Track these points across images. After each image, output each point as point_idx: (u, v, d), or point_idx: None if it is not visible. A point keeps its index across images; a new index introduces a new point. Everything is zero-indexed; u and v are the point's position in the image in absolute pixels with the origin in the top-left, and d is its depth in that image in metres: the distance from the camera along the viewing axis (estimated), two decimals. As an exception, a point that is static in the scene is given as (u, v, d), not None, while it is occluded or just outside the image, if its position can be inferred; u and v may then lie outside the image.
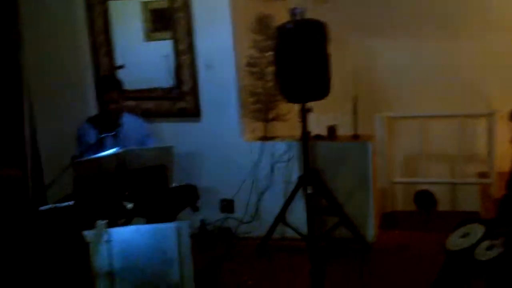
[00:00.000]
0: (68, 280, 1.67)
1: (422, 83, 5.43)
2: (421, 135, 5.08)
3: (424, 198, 5.41)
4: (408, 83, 5.46)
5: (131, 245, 2.47)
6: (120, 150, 3.62)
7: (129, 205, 3.24)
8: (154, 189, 3.71)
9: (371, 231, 4.64)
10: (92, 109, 4.74)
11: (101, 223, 2.44)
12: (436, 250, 4.29)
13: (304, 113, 4.19)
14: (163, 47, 4.95)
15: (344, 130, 4.76)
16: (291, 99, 4.19)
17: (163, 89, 4.97)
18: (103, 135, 4.09)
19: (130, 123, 4.34)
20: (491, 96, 5.26)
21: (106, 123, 4.20)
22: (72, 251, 2.52)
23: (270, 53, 4.53)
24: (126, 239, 2.48)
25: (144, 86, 4.97)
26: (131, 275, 2.46)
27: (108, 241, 2.44)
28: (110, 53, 4.88)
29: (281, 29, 3.98)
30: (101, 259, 2.41)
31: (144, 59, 5.01)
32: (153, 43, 5.05)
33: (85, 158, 3.80)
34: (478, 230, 3.16)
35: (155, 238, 2.50)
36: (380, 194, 5.07)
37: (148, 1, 4.96)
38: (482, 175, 5.30)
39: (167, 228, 2.53)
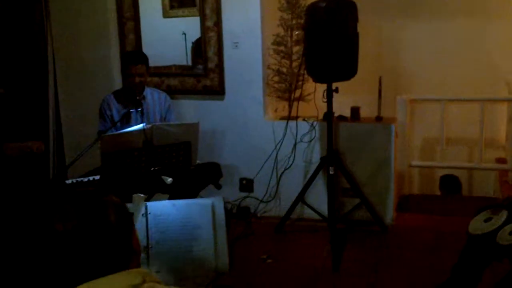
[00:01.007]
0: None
1: (444, 65, 5.40)
2: (442, 119, 5.06)
3: (450, 183, 5.42)
4: (431, 65, 5.42)
5: (168, 219, 2.49)
6: (147, 126, 3.64)
7: (169, 180, 3.25)
8: (178, 165, 3.73)
9: (390, 213, 4.64)
10: (117, 86, 4.72)
11: (139, 196, 2.46)
12: (453, 234, 4.34)
13: (330, 93, 4.18)
14: (181, 25, 4.96)
15: (366, 112, 4.75)
16: (318, 79, 4.17)
17: (179, 67, 4.97)
18: (130, 110, 4.10)
19: (152, 96, 4.35)
20: (513, 81, 5.24)
21: (130, 97, 4.20)
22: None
23: (297, 32, 4.52)
24: (163, 213, 2.49)
25: (161, 63, 4.96)
26: (167, 249, 2.48)
27: (146, 215, 2.45)
28: (137, 28, 4.85)
29: (312, 7, 3.95)
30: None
31: (162, 36, 5.02)
32: (171, 20, 5.05)
33: (113, 133, 3.82)
34: (501, 214, 3.16)
35: (191, 212, 2.51)
36: (398, 177, 5.08)
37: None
38: (501, 160, 5.30)
39: (202, 203, 2.53)
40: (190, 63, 5.02)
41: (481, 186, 5.50)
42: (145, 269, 1.52)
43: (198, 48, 4.85)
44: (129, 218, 1.56)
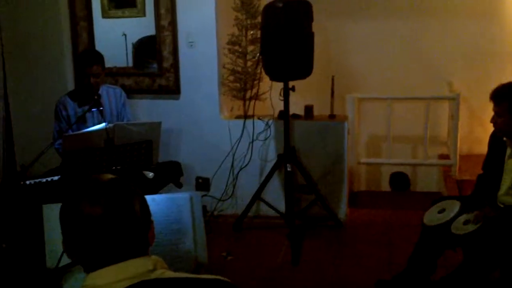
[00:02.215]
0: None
1: (391, 65, 5.62)
2: (388, 117, 5.24)
3: (399, 179, 5.63)
4: (378, 65, 5.64)
5: (148, 213, 2.48)
6: (109, 125, 3.61)
7: (150, 174, 3.23)
8: (140, 164, 3.72)
9: (343, 209, 4.77)
10: (70, 86, 4.64)
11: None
12: (404, 226, 4.52)
13: (287, 92, 4.26)
14: (121, 25, 4.93)
15: (317, 110, 4.86)
16: (275, 77, 4.24)
17: (119, 68, 4.92)
18: (92, 110, 4.04)
19: (108, 94, 4.29)
20: (455, 81, 5.49)
21: (86, 96, 4.14)
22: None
23: (252, 31, 4.59)
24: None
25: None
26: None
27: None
28: (90, 28, 4.78)
29: (270, 7, 4.02)
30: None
31: (101, 37, 4.93)
32: (110, 20, 4.98)
33: (75, 133, 3.76)
34: (454, 206, 3.32)
35: (170, 207, 2.52)
36: (348, 174, 5.22)
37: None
38: (443, 157, 5.53)
39: (181, 197, 2.54)
40: (131, 64, 4.97)
41: (426, 182, 5.73)
42: (157, 256, 1.54)
43: (142, 49, 4.80)
44: (149, 210, 1.59)
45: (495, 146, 3.41)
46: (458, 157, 5.15)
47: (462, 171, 5.17)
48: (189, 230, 2.51)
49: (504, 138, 3.29)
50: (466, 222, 3.16)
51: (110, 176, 1.56)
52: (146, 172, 3.36)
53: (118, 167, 3.60)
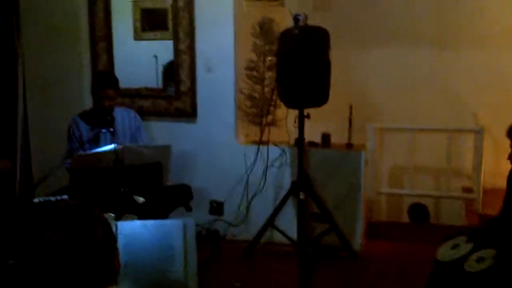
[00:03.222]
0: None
1: (414, 95, 5.53)
2: (410, 147, 5.15)
3: (418, 211, 5.50)
4: (400, 94, 5.55)
5: (137, 239, 2.47)
6: (119, 147, 3.63)
7: (140, 200, 3.23)
8: (149, 186, 3.72)
9: (358, 239, 4.67)
10: (87, 105, 4.69)
11: (109, 215, 2.43)
12: (421, 260, 4.38)
13: (301, 119, 4.23)
14: (153, 47, 4.99)
15: (336, 139, 4.81)
16: (290, 105, 4.22)
17: (149, 89, 4.99)
18: (102, 130, 4.07)
19: (122, 116, 4.32)
20: (480, 113, 5.37)
21: (100, 117, 4.17)
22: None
23: (270, 58, 4.58)
24: (132, 233, 2.47)
25: (131, 85, 4.94)
26: (135, 270, 2.45)
27: (116, 235, 2.43)
28: (109, 49, 4.84)
29: (286, 34, 4.01)
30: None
31: (133, 58, 5.04)
32: (142, 42, 5.08)
33: (84, 153, 3.80)
34: (468, 243, 3.22)
35: (161, 233, 2.50)
36: (366, 204, 5.12)
37: (140, 0, 4.97)
38: (468, 190, 5.39)
39: (173, 224, 2.52)
40: (161, 85, 5.02)
41: (448, 215, 5.58)
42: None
43: (170, 71, 4.86)
44: (114, 237, 1.56)
45: (513, 182, 3.32)
46: (481, 190, 5.02)
47: (486, 205, 5.02)
48: (180, 258, 2.48)
49: (523, 175, 3.20)
50: (479, 260, 3.06)
51: (72, 202, 1.55)
52: (136, 197, 3.35)
53: (126, 189, 3.61)
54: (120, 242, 2.47)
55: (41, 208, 1.52)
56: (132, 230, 2.50)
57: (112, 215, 2.51)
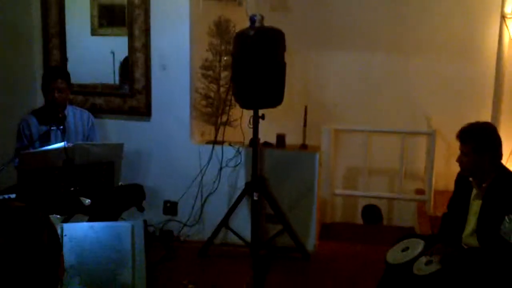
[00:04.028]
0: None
1: (369, 98, 5.60)
2: (365, 149, 5.20)
3: (371, 213, 5.56)
4: (356, 97, 5.62)
5: (84, 242, 2.42)
6: (69, 145, 3.56)
7: (87, 201, 3.17)
8: (100, 186, 3.65)
9: (312, 240, 4.69)
10: (39, 103, 4.58)
11: (55, 217, 2.38)
12: (374, 262, 4.43)
13: (256, 120, 4.22)
14: (110, 43, 4.93)
15: (291, 140, 4.81)
16: (245, 105, 4.21)
17: (105, 85, 4.91)
18: (51, 128, 3.98)
19: (74, 115, 4.23)
20: (432, 116, 5.46)
21: (50, 115, 4.07)
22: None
23: (226, 57, 4.55)
24: (79, 235, 2.42)
25: (87, 81, 4.90)
26: (83, 273, 2.40)
27: (61, 237, 2.37)
28: (62, 45, 4.75)
29: (241, 34, 4.00)
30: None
31: (89, 54, 4.97)
32: (99, 38, 5.01)
33: (32, 151, 3.70)
34: (418, 245, 3.26)
35: (109, 235, 2.46)
36: (321, 205, 5.15)
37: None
38: (420, 192, 5.48)
39: (122, 226, 2.48)
40: (117, 82, 4.96)
41: (401, 217, 5.67)
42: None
43: (126, 68, 4.80)
44: (60, 243, 1.49)
45: (461, 186, 3.38)
46: (433, 192, 5.10)
47: (437, 207, 5.11)
48: (129, 261, 2.45)
49: (470, 178, 3.24)
50: (428, 263, 3.10)
51: (18, 204, 1.49)
52: (82, 199, 3.29)
53: (77, 188, 3.54)
54: (67, 244, 2.42)
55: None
56: (79, 232, 2.45)
57: (58, 216, 2.45)
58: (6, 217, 1.42)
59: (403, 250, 3.30)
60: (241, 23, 4.55)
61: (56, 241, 1.48)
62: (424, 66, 5.52)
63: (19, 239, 1.38)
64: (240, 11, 5.04)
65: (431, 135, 5.12)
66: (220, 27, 4.57)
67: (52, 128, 3.99)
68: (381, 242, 4.90)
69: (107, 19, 4.97)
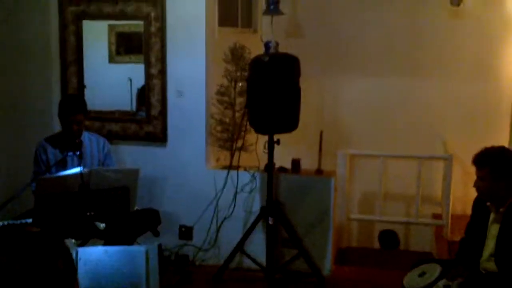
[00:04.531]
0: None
1: (385, 123, 5.59)
2: (381, 174, 5.18)
3: (388, 238, 5.52)
4: (372, 122, 5.61)
5: (99, 265, 2.44)
6: (85, 170, 3.60)
7: (102, 226, 3.19)
8: (116, 211, 3.68)
9: (327, 265, 4.67)
10: (56, 128, 4.65)
11: (70, 241, 2.40)
12: (391, 287, 4.39)
13: (271, 145, 4.24)
14: (127, 71, 5.01)
15: (307, 164, 4.82)
16: (259, 130, 4.24)
17: (123, 112, 4.98)
18: (68, 154, 4.04)
19: (90, 141, 4.30)
20: (450, 140, 5.43)
21: (67, 141, 4.14)
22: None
23: (241, 83, 4.59)
24: (94, 259, 2.44)
25: (105, 107, 4.98)
26: (96, 297, 2.42)
27: (76, 260, 2.39)
28: (79, 72, 4.83)
29: (256, 61, 4.04)
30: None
31: (107, 81, 5.06)
32: (117, 65, 5.11)
33: (49, 176, 3.75)
34: (435, 270, 3.24)
35: (123, 260, 2.48)
36: (337, 229, 5.13)
37: (116, 24, 4.99)
38: (437, 216, 5.43)
39: (136, 250, 2.50)
40: (134, 109, 5.02)
41: (418, 241, 5.61)
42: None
43: (143, 94, 4.85)
44: (75, 268, 1.53)
45: (479, 210, 3.37)
46: (450, 217, 5.05)
47: (455, 231, 5.05)
48: (142, 285, 2.46)
49: (488, 203, 3.23)
50: (446, 287, 3.08)
51: (34, 230, 1.52)
52: (97, 223, 3.31)
53: (93, 213, 3.57)
54: (81, 268, 2.44)
55: (3, 235, 1.49)
56: (94, 256, 2.47)
57: (73, 241, 2.47)
58: (23, 242, 1.45)
59: (420, 275, 3.28)
60: (256, 49, 4.61)
61: (71, 266, 1.51)
62: (440, 89, 5.51)
63: (35, 265, 1.41)
64: (255, 37, 5.11)
65: (447, 160, 5.08)
66: (236, 54, 4.62)
67: (69, 154, 4.04)
68: (398, 267, 4.87)
69: (125, 46, 5.07)
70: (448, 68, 5.49)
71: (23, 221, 3.64)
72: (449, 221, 5.04)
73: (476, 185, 3.24)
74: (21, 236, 1.49)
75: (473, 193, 5.27)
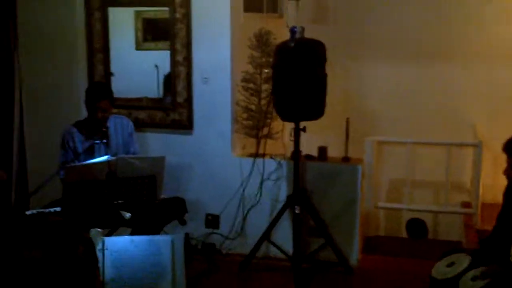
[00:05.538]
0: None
1: (412, 108, 5.51)
2: (409, 161, 5.11)
3: (416, 226, 5.45)
4: (398, 108, 5.54)
5: (125, 255, 2.43)
6: (112, 158, 3.61)
7: (127, 215, 3.19)
8: (142, 199, 3.68)
9: (355, 254, 4.62)
10: (83, 115, 4.67)
11: (96, 231, 2.40)
12: (418, 277, 4.33)
13: (297, 132, 4.20)
14: (154, 57, 4.99)
15: (333, 152, 4.77)
16: (285, 117, 4.20)
17: (150, 99, 4.97)
18: (95, 142, 4.05)
19: (115, 124, 4.31)
20: (478, 126, 5.33)
21: (94, 128, 4.15)
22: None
23: (267, 70, 4.55)
24: (120, 249, 2.44)
25: (132, 95, 4.98)
26: (123, 286, 2.41)
27: (103, 250, 2.39)
28: (105, 60, 4.83)
29: (282, 47, 3.99)
30: (93, 268, 2.36)
31: (134, 68, 5.05)
32: (143, 52, 5.08)
33: (76, 164, 3.76)
34: (464, 260, 3.18)
35: (149, 249, 2.47)
36: (364, 218, 5.08)
37: (142, 11, 4.97)
38: (466, 205, 5.34)
39: (162, 240, 2.49)
40: (161, 95, 5.02)
41: (447, 230, 5.54)
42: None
43: (169, 81, 4.84)
44: (95, 255, 1.53)
45: (510, 198, 3.29)
46: (480, 205, 4.96)
47: (485, 220, 4.97)
48: (168, 275, 2.45)
49: (519, 191, 3.16)
50: (474, 278, 3.03)
51: (55, 219, 1.52)
52: (123, 213, 3.31)
53: (120, 201, 3.58)
54: (107, 258, 2.43)
55: (26, 224, 1.49)
56: (120, 246, 2.47)
57: (100, 230, 2.47)
58: (44, 231, 1.44)
59: (448, 265, 3.23)
60: (281, 35, 4.55)
61: (91, 255, 1.50)
62: (469, 74, 5.40)
63: (55, 252, 1.41)
64: (280, 23, 5.05)
65: (477, 146, 4.99)
66: (261, 40, 4.57)
67: (96, 142, 4.06)
68: (426, 256, 4.81)
69: (152, 33, 5.05)
70: (478, 53, 5.38)
71: (52, 209, 3.67)
72: (479, 209, 4.96)
73: (507, 172, 3.18)
74: (43, 225, 1.49)
75: (503, 181, 5.22)
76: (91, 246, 1.51)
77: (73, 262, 1.42)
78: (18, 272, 1.35)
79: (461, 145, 5.29)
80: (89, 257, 1.48)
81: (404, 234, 5.62)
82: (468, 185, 5.48)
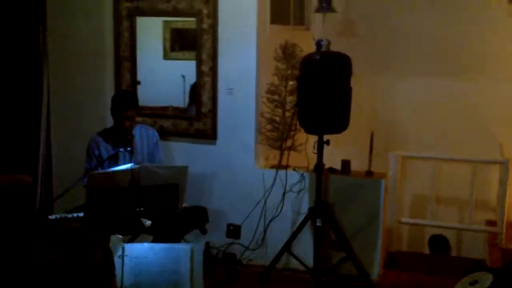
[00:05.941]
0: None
1: (438, 124, 5.45)
2: (433, 177, 5.05)
3: (439, 243, 5.38)
4: (424, 123, 5.48)
5: (144, 262, 2.45)
6: (135, 166, 3.65)
7: (148, 223, 3.22)
8: (164, 208, 3.71)
9: (376, 269, 4.59)
10: (109, 123, 4.73)
11: (117, 237, 2.42)
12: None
13: (320, 145, 4.19)
14: (181, 67, 5.04)
15: (357, 165, 4.74)
16: (309, 130, 4.19)
17: (175, 108, 5.02)
18: (120, 149, 4.10)
19: (140, 133, 4.37)
20: (506, 144, 5.25)
21: (119, 137, 4.20)
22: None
23: (292, 82, 4.56)
24: (139, 255, 2.46)
25: (157, 103, 5.04)
26: (141, 293, 2.43)
27: (122, 257, 2.41)
28: (133, 68, 4.89)
29: (307, 59, 4.00)
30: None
31: (160, 77, 5.11)
32: (170, 61, 5.13)
33: (100, 171, 3.81)
34: (487, 279, 3.14)
35: (168, 257, 2.48)
36: (386, 233, 5.04)
37: (170, 21, 5.02)
38: (491, 223, 5.26)
39: (181, 248, 2.50)
40: (186, 105, 5.06)
41: (470, 248, 5.45)
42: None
43: (194, 91, 4.88)
44: (113, 263, 1.54)
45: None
46: (505, 224, 4.89)
47: (510, 239, 4.89)
48: (186, 284, 2.46)
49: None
50: (497, 297, 2.98)
51: (74, 225, 1.54)
52: (143, 220, 3.33)
53: (142, 209, 3.61)
54: (127, 264, 2.45)
55: (44, 229, 1.51)
56: (139, 253, 2.48)
57: (120, 236, 2.50)
58: (62, 236, 1.46)
59: (471, 283, 3.19)
60: (307, 47, 4.56)
61: (109, 261, 1.51)
62: (497, 91, 5.32)
63: (73, 257, 1.43)
64: (306, 35, 5.06)
65: (504, 164, 4.92)
66: (287, 52, 4.58)
67: (120, 150, 4.10)
68: (448, 273, 4.75)
69: (179, 43, 5.10)
70: (506, 69, 5.31)
71: (75, 215, 3.73)
72: (504, 228, 4.88)
73: (534, 191, 3.11)
74: (60, 230, 1.50)
75: (529, 200, 5.14)
76: (109, 253, 1.52)
77: (90, 268, 1.43)
78: (31, 275, 1.37)
79: (487, 162, 5.22)
80: (106, 264, 1.49)
81: (426, 250, 5.55)
82: (494, 203, 5.40)
